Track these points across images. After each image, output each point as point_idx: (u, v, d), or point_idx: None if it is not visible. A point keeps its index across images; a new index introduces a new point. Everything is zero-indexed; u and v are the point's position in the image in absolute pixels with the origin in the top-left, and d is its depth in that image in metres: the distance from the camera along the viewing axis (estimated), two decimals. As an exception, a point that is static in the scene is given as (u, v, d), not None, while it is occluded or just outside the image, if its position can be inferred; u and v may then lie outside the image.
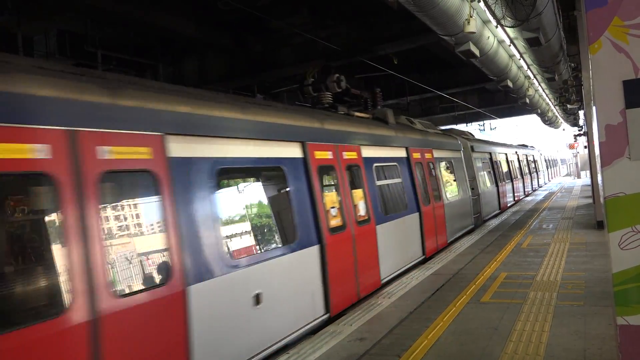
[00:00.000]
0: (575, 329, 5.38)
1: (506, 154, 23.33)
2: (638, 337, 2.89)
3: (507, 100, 26.39)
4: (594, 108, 3.07)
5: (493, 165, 19.92)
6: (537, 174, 35.03)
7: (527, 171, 29.41)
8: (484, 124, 40.41)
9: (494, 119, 33.96)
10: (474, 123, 37.88)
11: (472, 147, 17.21)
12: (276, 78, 17.71)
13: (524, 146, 34.21)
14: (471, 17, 8.95)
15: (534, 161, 34.66)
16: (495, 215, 18.37)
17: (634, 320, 2.90)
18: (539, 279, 7.62)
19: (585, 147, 31.51)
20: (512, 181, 23.48)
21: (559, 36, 12.33)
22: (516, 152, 26.73)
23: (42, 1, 10.82)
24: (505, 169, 22.43)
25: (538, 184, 34.80)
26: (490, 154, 19.89)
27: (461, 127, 36.44)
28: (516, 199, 23.93)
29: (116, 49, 13.29)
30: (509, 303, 6.51)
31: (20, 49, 10.77)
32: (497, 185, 19.83)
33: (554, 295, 6.71)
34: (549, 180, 46.02)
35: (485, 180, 18.36)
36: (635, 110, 2.90)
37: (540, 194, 27.41)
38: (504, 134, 51.06)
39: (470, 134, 21.28)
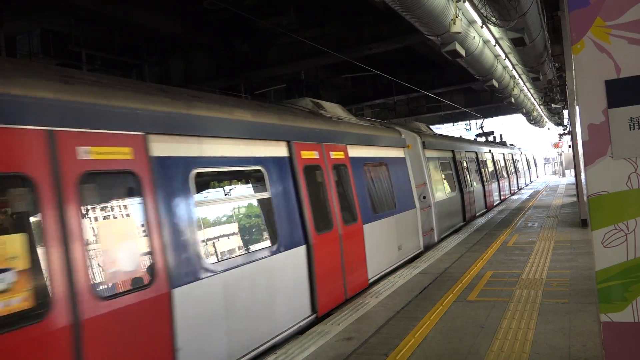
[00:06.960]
0: (560, 326, 5.43)
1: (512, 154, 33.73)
2: (621, 334, 2.92)
3: (493, 100, 26.62)
4: (577, 108, 3.10)
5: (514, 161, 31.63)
6: (535, 168, 48.20)
7: (526, 167, 40.39)
8: (469, 123, 40.67)
9: (480, 118, 34.21)
10: (460, 122, 38.12)
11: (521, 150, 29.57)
12: (263, 78, 17.66)
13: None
14: (457, 17, 9.00)
15: (534, 160, 46.75)
16: (527, 185, 30.69)
17: (617, 317, 2.93)
18: (525, 277, 7.68)
19: (569, 146, 32.17)
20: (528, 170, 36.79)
21: (543, 36, 12.45)
22: (522, 152, 36.95)
23: (24, 0, 10.68)
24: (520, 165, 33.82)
25: (531, 179, 43.75)
26: (512, 154, 30.58)
27: (447, 126, 36.70)
28: (525, 184, 34.23)
29: (101, 48, 13.16)
30: (495, 301, 6.57)
31: (3, 49, 10.62)
32: (529, 169, 32.31)
33: (540, 293, 6.78)
34: (537, 177, 47.85)
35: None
36: (618, 110, 2.93)
37: (525, 193, 27.71)
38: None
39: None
